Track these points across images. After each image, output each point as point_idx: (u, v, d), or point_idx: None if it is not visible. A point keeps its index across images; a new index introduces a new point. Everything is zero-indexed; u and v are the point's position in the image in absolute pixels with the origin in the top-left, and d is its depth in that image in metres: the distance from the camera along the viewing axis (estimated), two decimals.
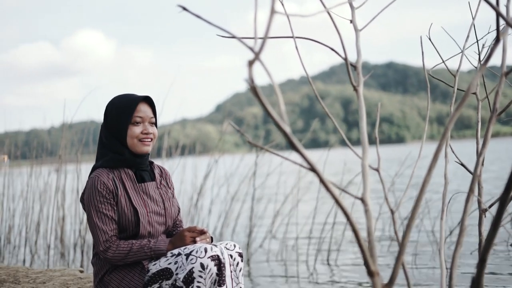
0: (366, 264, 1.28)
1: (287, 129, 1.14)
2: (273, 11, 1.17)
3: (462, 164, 2.46)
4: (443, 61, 2.56)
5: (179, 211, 3.11)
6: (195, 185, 7.93)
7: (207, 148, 8.68)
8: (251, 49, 1.16)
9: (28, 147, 8.13)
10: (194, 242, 2.78)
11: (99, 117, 3.07)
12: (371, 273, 1.29)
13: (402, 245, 1.44)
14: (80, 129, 8.01)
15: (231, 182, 8.21)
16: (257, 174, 7.76)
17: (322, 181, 1.18)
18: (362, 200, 1.44)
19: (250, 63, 1.12)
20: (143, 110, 2.92)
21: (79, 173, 6.93)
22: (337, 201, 1.22)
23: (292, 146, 1.15)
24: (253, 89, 1.10)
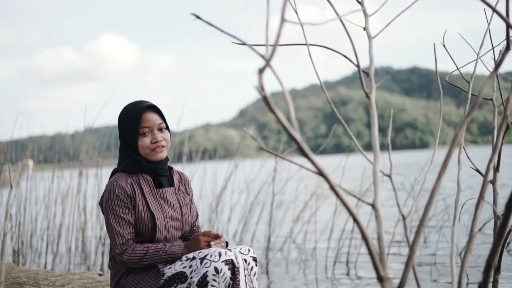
0: (376, 269, 1.30)
1: (297, 136, 1.16)
2: (283, 20, 1.19)
3: (477, 170, 2.46)
4: (458, 68, 2.56)
5: (197, 217, 3.14)
6: (215, 190, 7.96)
7: (230, 153, 8.72)
8: (262, 56, 1.18)
9: (52, 152, 8.23)
10: (209, 246, 2.80)
11: None
12: (380, 278, 1.30)
13: (411, 251, 1.45)
14: (104, 134, 8.10)
15: (252, 188, 8.23)
16: (277, 180, 7.77)
17: (330, 185, 1.20)
18: (373, 206, 1.46)
19: (260, 70, 1.14)
20: (149, 119, 2.94)
21: (99, 177, 7.01)
22: (345, 205, 1.24)
23: (301, 152, 1.17)
24: (264, 98, 1.12)
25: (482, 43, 2.40)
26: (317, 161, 1.17)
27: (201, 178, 8.26)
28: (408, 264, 1.42)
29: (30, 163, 9.07)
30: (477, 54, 2.45)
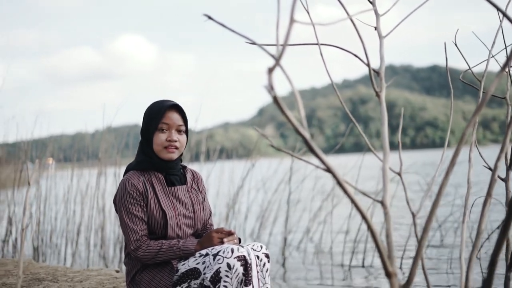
0: (383, 265, 1.32)
1: (307, 135, 1.19)
2: (292, 20, 1.22)
3: (489, 168, 2.47)
4: (470, 68, 2.58)
5: (210, 215, 3.19)
6: (232, 188, 8.00)
7: (249, 152, 8.76)
8: (272, 56, 1.21)
9: (73, 151, 8.34)
10: (222, 243, 2.84)
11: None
12: (388, 274, 1.33)
13: (419, 247, 1.48)
14: (123, 133, 8.17)
15: (269, 186, 8.26)
16: (294, 178, 7.78)
17: (338, 181, 1.23)
18: (382, 203, 1.48)
19: (270, 70, 1.17)
20: (171, 117, 2.99)
21: (118, 176, 7.08)
22: (353, 202, 1.27)
23: (310, 150, 1.20)
24: (274, 98, 1.15)
25: (494, 42, 2.41)
26: (325, 159, 1.19)
27: (219, 177, 8.31)
28: (415, 260, 1.45)
29: (51, 161, 9.18)
30: (490, 52, 2.46)
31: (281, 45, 1.21)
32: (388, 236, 1.46)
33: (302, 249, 7.63)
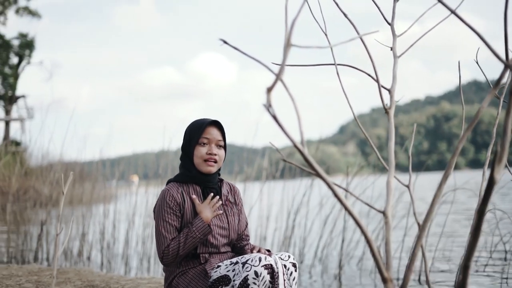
0: (379, 271, 1.43)
1: (305, 151, 1.32)
2: (289, 44, 1.35)
3: None
4: (490, 85, 2.63)
5: (246, 226, 3.36)
6: (294, 206, 8.03)
7: (331, 170, 8.79)
8: (275, 73, 1.34)
9: (156, 168, 8.65)
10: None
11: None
12: (384, 280, 1.43)
13: (412, 255, 1.58)
14: None
15: (332, 203, 8.28)
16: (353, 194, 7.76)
17: (328, 185, 1.34)
18: (384, 213, 1.59)
19: (269, 89, 1.28)
20: (211, 132, 3.19)
21: None
22: (345, 206, 1.39)
23: (305, 160, 1.32)
24: (273, 117, 1.27)
25: None
26: (317, 166, 1.31)
27: (281, 194, 8.39)
28: (410, 267, 1.55)
29: (135, 179, 9.55)
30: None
31: (289, 65, 1.34)
32: (387, 243, 1.57)
33: (359, 266, 7.57)
